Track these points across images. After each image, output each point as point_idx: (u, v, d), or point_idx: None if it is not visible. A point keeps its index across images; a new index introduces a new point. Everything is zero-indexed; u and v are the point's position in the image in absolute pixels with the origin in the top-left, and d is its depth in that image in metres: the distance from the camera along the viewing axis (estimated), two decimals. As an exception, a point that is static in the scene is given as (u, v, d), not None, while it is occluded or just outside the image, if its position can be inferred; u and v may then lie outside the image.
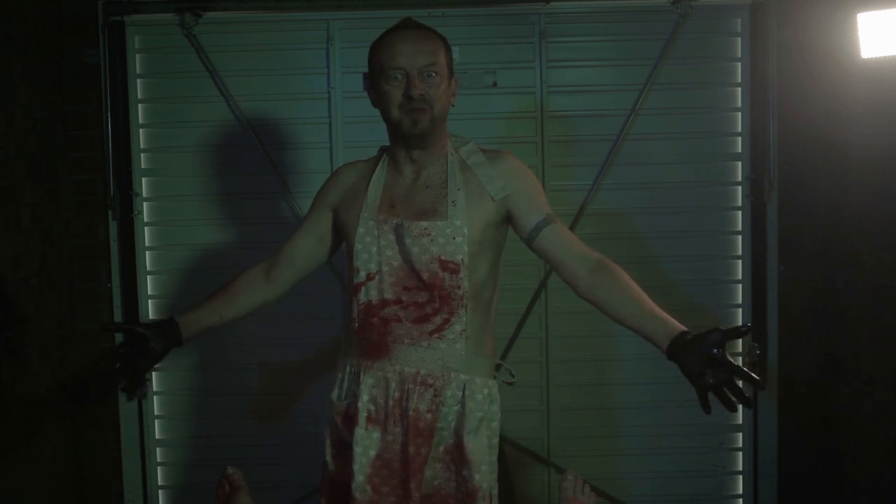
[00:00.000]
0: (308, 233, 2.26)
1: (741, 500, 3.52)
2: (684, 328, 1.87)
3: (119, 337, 3.39)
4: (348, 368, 2.17)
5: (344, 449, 2.17)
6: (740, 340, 3.42)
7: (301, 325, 3.37)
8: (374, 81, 2.11)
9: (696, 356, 1.78)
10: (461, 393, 2.09)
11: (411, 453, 2.06)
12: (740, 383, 1.77)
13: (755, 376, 1.76)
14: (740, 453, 3.50)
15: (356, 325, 2.13)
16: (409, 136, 2.08)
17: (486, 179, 2.12)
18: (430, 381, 2.08)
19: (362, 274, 2.11)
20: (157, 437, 3.49)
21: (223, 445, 3.45)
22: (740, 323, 3.43)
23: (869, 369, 3.12)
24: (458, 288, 2.07)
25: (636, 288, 2.00)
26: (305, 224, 2.27)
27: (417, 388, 2.08)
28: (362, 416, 2.09)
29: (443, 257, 2.06)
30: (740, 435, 3.49)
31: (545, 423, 3.48)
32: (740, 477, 3.51)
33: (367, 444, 2.08)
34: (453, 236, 2.06)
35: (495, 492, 2.11)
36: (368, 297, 2.11)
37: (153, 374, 3.45)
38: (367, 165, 2.24)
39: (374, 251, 2.09)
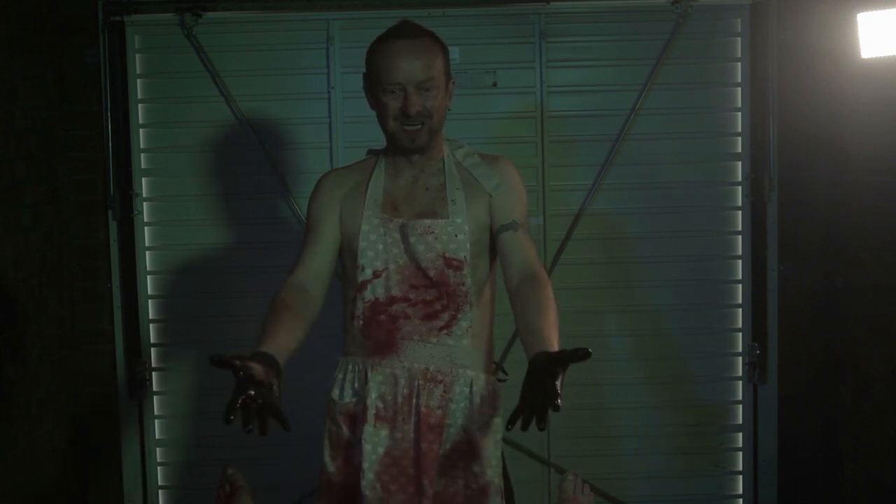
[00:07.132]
0: (324, 244, 2.16)
1: (741, 500, 3.52)
2: (554, 350, 1.86)
3: (119, 337, 3.39)
4: (350, 367, 2.17)
5: (343, 450, 2.17)
6: (740, 340, 3.44)
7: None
8: (372, 89, 2.11)
9: (536, 370, 1.80)
10: (468, 389, 2.10)
11: (423, 449, 2.06)
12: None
13: (544, 419, 1.70)
14: (740, 453, 3.50)
15: (361, 322, 2.13)
16: (407, 149, 2.10)
17: (483, 178, 2.14)
18: (439, 377, 2.09)
19: (368, 272, 2.11)
20: (157, 437, 3.49)
21: (223, 445, 3.43)
22: (740, 324, 3.45)
23: (869, 369, 3.12)
24: (463, 285, 2.09)
25: (545, 307, 2.02)
26: (317, 236, 2.17)
27: (427, 384, 2.09)
28: (371, 413, 2.09)
29: (447, 255, 2.08)
30: (740, 435, 3.49)
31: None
32: (740, 477, 3.51)
33: (375, 442, 2.08)
34: (455, 234, 2.08)
35: (502, 487, 2.13)
36: (375, 295, 2.11)
37: (153, 374, 3.46)
38: (354, 172, 2.21)
39: (381, 248, 2.10)
